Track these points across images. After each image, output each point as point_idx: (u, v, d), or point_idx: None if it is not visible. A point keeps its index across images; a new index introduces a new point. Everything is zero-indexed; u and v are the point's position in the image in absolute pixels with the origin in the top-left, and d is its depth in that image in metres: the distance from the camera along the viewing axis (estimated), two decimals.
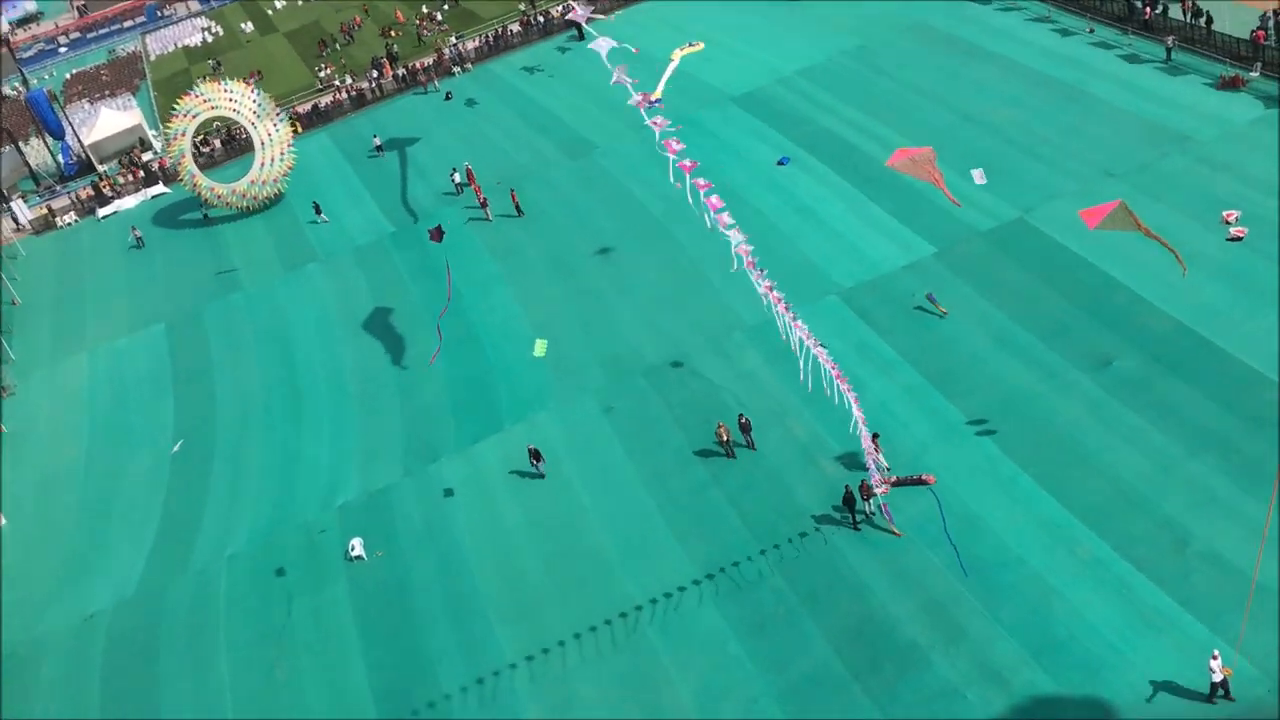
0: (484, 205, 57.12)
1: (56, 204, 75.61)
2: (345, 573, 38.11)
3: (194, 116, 64.21)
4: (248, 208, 64.85)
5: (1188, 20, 52.92)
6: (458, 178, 60.30)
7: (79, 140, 79.71)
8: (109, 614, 39.53)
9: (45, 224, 73.44)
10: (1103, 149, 47.67)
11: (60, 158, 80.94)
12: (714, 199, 31.82)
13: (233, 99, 63.96)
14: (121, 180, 74.90)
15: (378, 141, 68.99)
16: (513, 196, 56.72)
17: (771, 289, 32.19)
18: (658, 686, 31.18)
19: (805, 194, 51.20)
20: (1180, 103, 49.20)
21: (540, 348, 41.01)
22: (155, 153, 77.51)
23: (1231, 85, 48.85)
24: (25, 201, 75.47)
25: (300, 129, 75.00)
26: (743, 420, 37.72)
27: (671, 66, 58.59)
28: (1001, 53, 57.86)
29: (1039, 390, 36.79)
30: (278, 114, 66.00)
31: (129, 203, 71.97)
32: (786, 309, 32.23)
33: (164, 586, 39.98)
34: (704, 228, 50.91)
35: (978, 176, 40.62)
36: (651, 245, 51.33)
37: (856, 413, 32.96)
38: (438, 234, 49.52)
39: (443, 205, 59.77)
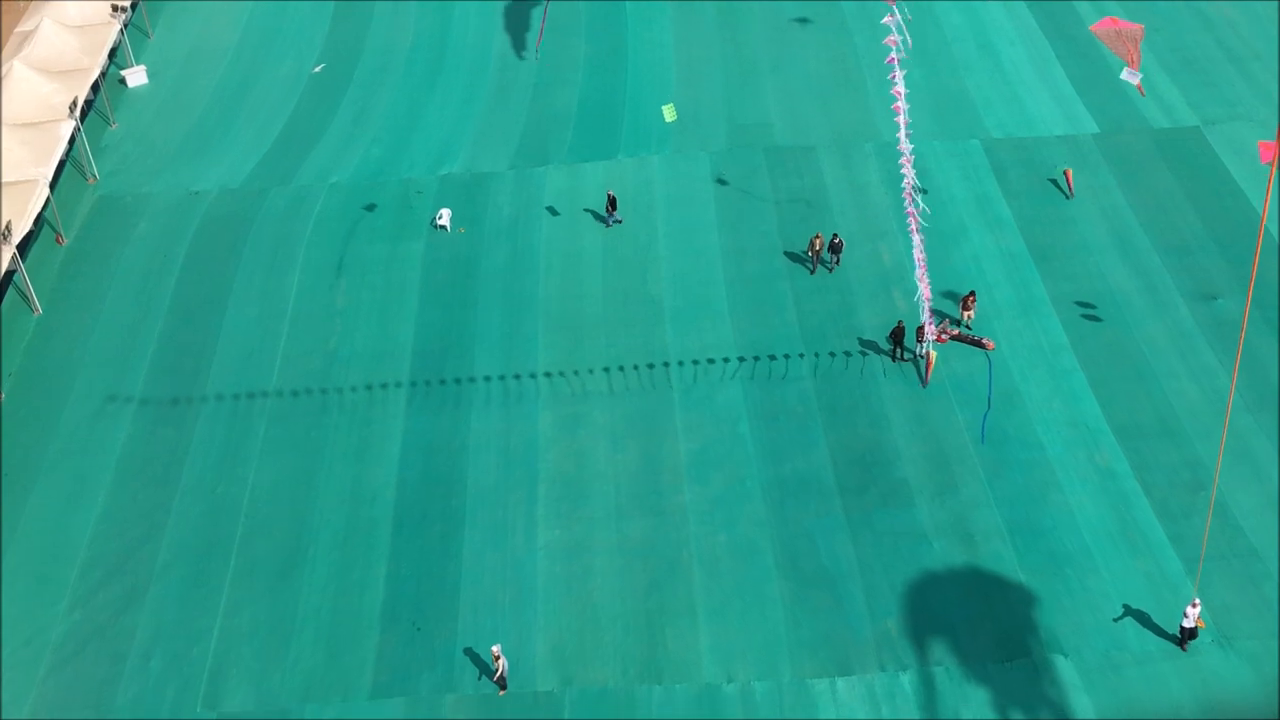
0: None
1: None
2: (427, 236, 39.90)
3: None
4: None
5: None
6: None
7: None
8: (212, 195, 42.12)
9: None
10: None
11: None
12: None
13: None
14: None
15: None
16: None
17: (902, 94, 31.03)
18: (661, 436, 32.82)
19: (995, 29, 48.88)
20: None
21: (669, 112, 40.77)
22: None
23: None
24: None
25: None
26: (836, 240, 37.30)
27: None
28: None
29: (1132, 300, 36.09)
30: None
31: None
32: (905, 123, 31.24)
33: (266, 189, 42.31)
34: (883, 31, 49.58)
35: (1130, 76, 37.72)
36: (824, 29, 49.88)
37: (917, 255, 32.84)
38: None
39: None
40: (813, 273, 37.31)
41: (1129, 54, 37.18)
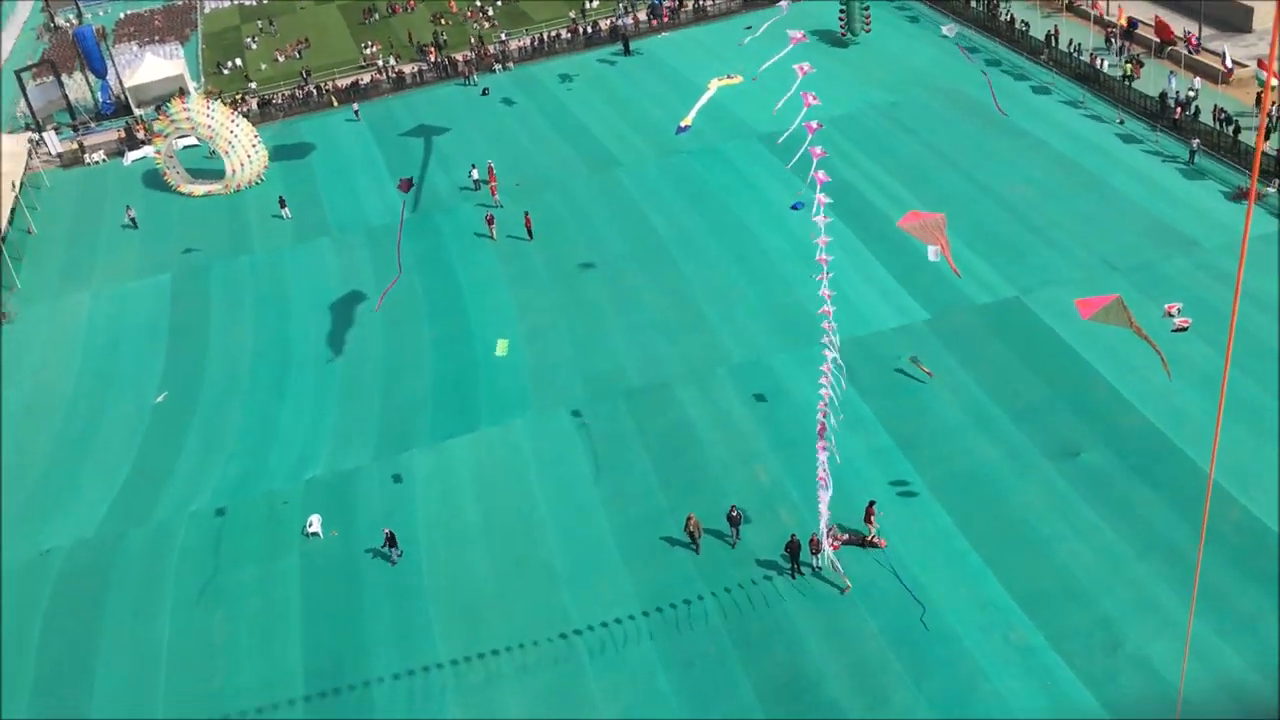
0: (497, 206, 57.96)
1: (88, 140, 76.57)
2: (299, 547, 38.59)
3: (176, 125, 65.57)
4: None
5: (1216, 126, 53.17)
6: (476, 174, 60.93)
7: (120, 81, 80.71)
8: (65, 552, 40.09)
9: (73, 159, 74.38)
10: (1110, 241, 47.96)
11: (99, 96, 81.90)
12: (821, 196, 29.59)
13: (189, 116, 64.96)
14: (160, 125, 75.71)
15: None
16: (526, 220, 55.74)
17: (829, 296, 31.55)
18: (581, 708, 31.50)
19: (812, 242, 51.37)
20: (1194, 207, 49.45)
21: (501, 347, 41.61)
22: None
23: (1247, 197, 49.11)
24: (57, 134, 76.43)
25: (336, 103, 76.18)
26: (734, 513, 35.65)
27: (706, 95, 59.14)
28: (1030, 130, 58.19)
29: (1003, 470, 37.06)
30: (232, 118, 66.41)
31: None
32: (831, 331, 31.72)
33: (123, 533, 40.53)
34: (709, 259, 52.05)
35: (932, 254, 39.77)
36: (656, 270, 51.82)
37: (821, 473, 33.29)
38: (406, 185, 50.17)
39: (459, 200, 60.44)
40: (698, 552, 35.71)
41: (937, 241, 39.49)
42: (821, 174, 27.85)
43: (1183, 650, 29.86)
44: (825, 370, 32.18)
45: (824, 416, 32.74)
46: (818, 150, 27.70)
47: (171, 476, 43.39)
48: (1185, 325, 39.23)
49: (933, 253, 36.96)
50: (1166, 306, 40.63)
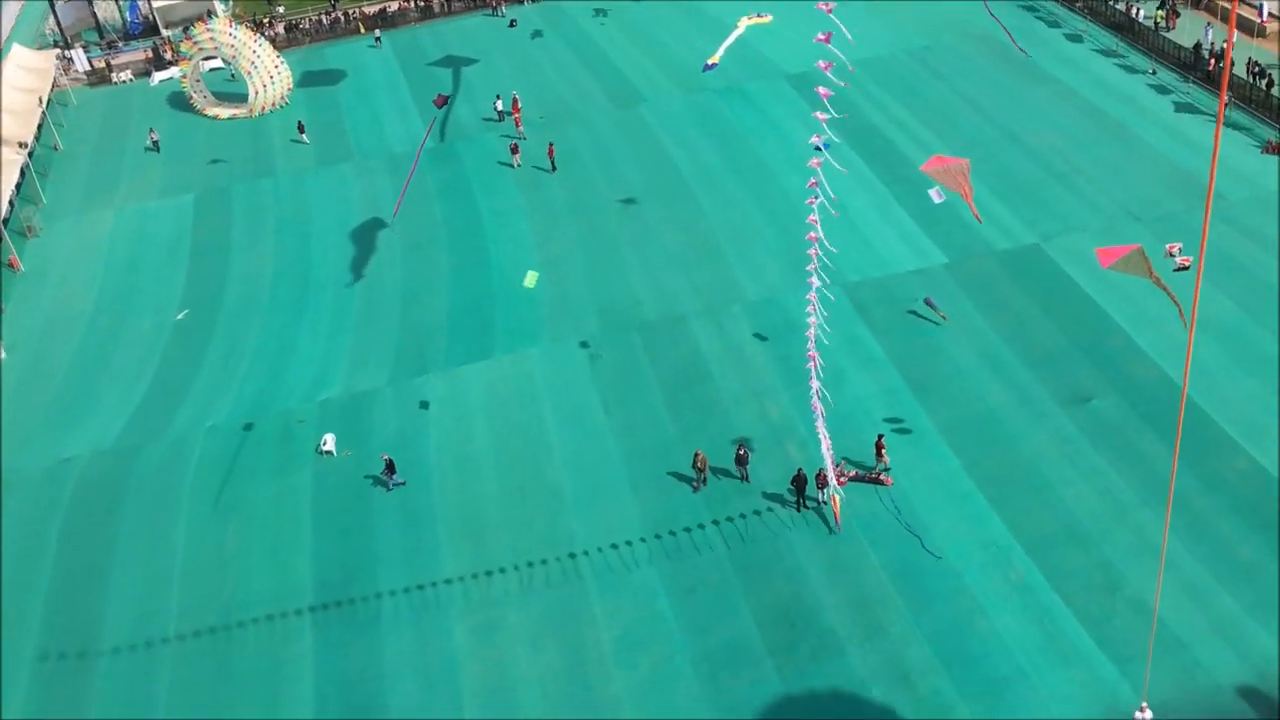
0: (520, 138, 57.74)
1: (115, 60, 76.56)
2: (313, 464, 39.10)
3: (200, 48, 65.75)
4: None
5: (1250, 80, 52.37)
6: (500, 105, 60.72)
7: (148, 2, 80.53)
8: (83, 461, 40.76)
9: (100, 77, 74.47)
10: (1134, 191, 47.54)
11: (127, 15, 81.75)
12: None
13: (213, 37, 64.97)
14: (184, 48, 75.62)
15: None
16: (550, 151, 55.81)
17: (817, 252, 31.72)
18: (582, 627, 32.05)
19: (834, 183, 51.09)
20: (1222, 159, 48.71)
21: (531, 279, 41.72)
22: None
23: (1277, 151, 48.46)
24: (85, 52, 76.49)
25: (363, 30, 75.85)
26: (741, 451, 35.81)
27: (735, 34, 58.55)
28: (1061, 78, 57.51)
29: (1013, 415, 37.11)
30: (255, 40, 66.27)
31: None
32: (815, 278, 31.75)
33: (140, 445, 41.15)
34: (729, 198, 52.05)
35: (935, 195, 39.26)
36: (674, 205, 51.73)
37: (816, 406, 33.46)
38: (442, 101, 50.66)
39: (482, 130, 60.30)
40: (696, 490, 35.76)
41: (960, 186, 39.24)
42: (824, 89, 27.72)
43: (1180, 593, 30.25)
44: (811, 299, 32.14)
45: (813, 347, 32.83)
46: (824, 90, 27.68)
47: (189, 392, 43.93)
48: (1186, 264, 38.88)
49: (936, 193, 36.83)
50: (1168, 246, 40.33)
